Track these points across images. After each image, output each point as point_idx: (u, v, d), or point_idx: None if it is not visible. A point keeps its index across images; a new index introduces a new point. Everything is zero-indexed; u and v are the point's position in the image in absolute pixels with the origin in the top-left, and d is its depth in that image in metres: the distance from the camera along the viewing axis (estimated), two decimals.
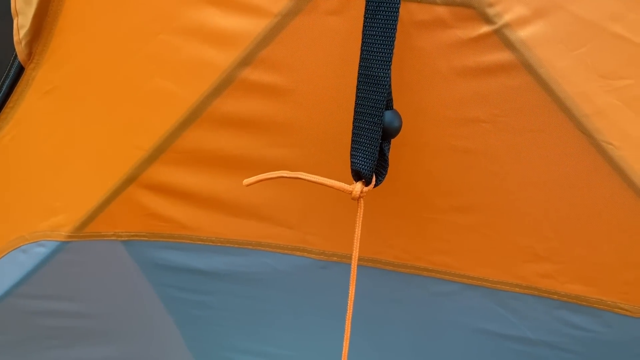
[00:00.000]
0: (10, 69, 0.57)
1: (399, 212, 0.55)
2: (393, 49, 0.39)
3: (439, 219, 0.54)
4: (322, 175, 0.43)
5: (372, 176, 0.42)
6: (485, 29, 0.43)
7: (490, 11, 0.42)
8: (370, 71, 0.40)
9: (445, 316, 0.61)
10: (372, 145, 0.41)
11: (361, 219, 0.43)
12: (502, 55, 0.44)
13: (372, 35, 0.39)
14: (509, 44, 0.43)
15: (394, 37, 0.39)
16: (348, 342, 0.44)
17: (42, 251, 0.64)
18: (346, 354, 0.45)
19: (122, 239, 0.63)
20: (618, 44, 0.43)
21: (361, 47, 0.40)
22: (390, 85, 0.40)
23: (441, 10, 0.43)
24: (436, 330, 0.63)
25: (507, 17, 0.42)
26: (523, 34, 0.43)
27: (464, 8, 0.43)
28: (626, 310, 0.53)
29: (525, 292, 0.55)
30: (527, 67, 0.44)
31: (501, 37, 0.43)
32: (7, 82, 0.57)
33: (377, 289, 0.60)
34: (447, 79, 0.45)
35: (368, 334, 0.65)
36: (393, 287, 0.60)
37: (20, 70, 0.57)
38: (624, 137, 0.45)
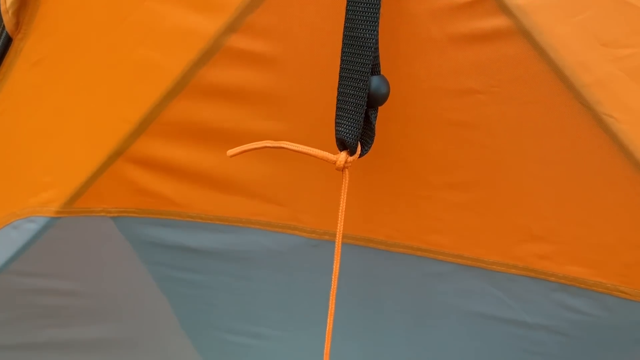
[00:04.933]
0: None
1: (391, 190, 0.53)
2: (379, 7, 0.37)
3: (433, 196, 0.52)
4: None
5: (357, 145, 0.40)
6: None
7: None
8: (356, 32, 0.38)
9: (439, 298, 0.59)
10: (357, 113, 0.39)
11: (346, 190, 0.42)
12: (498, 21, 0.42)
13: None
14: (505, 9, 0.41)
15: None
16: (332, 316, 0.43)
17: (32, 227, 0.63)
18: (330, 330, 0.43)
19: (112, 214, 0.63)
20: (622, 10, 0.41)
21: (346, 7, 0.38)
22: (377, 49, 0.39)
23: None
24: (429, 312, 0.61)
25: None
26: None
27: None
28: (626, 293, 0.51)
29: (521, 273, 0.54)
30: (525, 34, 0.42)
31: (497, 1, 0.41)
32: None
33: (369, 269, 0.59)
34: (440, 47, 0.43)
35: (360, 315, 0.64)
36: (385, 267, 0.59)
37: (9, 41, 0.56)
38: (625, 109, 0.43)
